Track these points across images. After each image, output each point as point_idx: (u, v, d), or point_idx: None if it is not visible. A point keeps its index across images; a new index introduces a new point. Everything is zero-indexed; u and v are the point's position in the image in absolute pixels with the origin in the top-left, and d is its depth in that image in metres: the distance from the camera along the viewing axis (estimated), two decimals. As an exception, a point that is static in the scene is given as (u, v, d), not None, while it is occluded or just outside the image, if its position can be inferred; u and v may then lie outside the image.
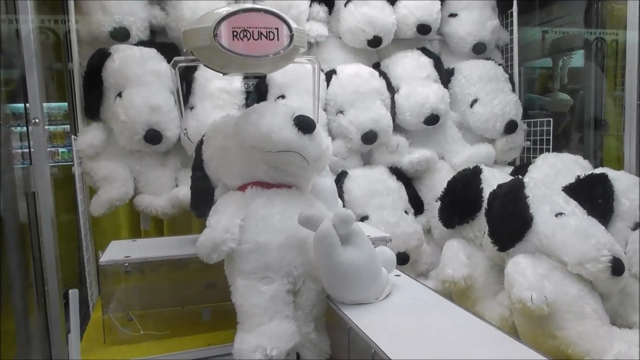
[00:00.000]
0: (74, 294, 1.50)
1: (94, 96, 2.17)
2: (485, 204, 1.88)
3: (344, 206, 2.15)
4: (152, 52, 2.23)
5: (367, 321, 1.24)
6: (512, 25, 2.86)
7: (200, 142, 1.59)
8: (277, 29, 1.36)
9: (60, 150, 3.38)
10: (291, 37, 1.37)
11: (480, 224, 1.96)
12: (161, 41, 2.38)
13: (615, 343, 1.55)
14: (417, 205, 2.50)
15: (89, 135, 2.16)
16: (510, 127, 2.63)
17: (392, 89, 2.57)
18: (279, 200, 1.43)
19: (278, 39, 1.36)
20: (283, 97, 2.32)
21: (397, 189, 2.42)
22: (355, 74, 2.49)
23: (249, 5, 1.37)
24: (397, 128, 2.58)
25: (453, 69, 2.76)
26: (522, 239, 1.74)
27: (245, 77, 2.35)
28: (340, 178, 2.38)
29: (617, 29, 2.92)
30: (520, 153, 2.82)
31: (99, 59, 2.16)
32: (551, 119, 2.70)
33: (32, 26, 1.60)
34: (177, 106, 1.78)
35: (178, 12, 2.27)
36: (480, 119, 2.64)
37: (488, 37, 2.76)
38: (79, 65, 2.20)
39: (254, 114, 1.37)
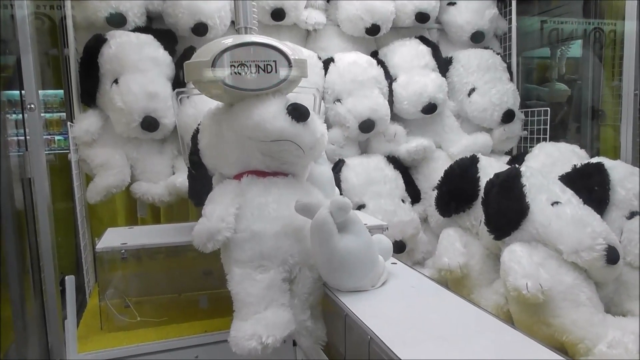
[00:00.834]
0: (70, 280, 1.51)
1: (90, 82, 2.16)
2: (481, 193, 1.88)
3: (341, 194, 2.15)
4: (148, 38, 2.21)
5: (363, 308, 1.24)
6: (510, 14, 2.86)
7: (196, 131, 1.58)
8: (275, 61, 1.35)
9: (57, 138, 3.37)
10: (290, 68, 1.37)
11: (477, 213, 1.96)
12: (158, 27, 2.35)
13: (609, 330, 1.57)
14: (414, 194, 2.50)
15: (85, 122, 2.14)
16: (508, 117, 2.63)
17: (390, 78, 2.57)
18: (275, 188, 1.42)
19: (276, 71, 1.35)
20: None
21: (395, 177, 2.42)
22: (353, 62, 2.48)
23: (247, 38, 1.37)
24: (395, 117, 2.58)
25: (451, 57, 2.76)
26: (518, 227, 1.74)
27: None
28: (338, 166, 2.38)
29: (615, 19, 2.91)
30: (517, 142, 2.82)
31: (95, 45, 2.14)
32: (548, 109, 2.70)
33: (27, 11, 1.59)
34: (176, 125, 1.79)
35: (175, -2, 2.25)
36: (477, 108, 2.63)
37: (486, 26, 2.76)
38: (74, 51, 2.18)
39: (248, 104, 1.37)
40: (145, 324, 1.70)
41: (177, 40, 2.36)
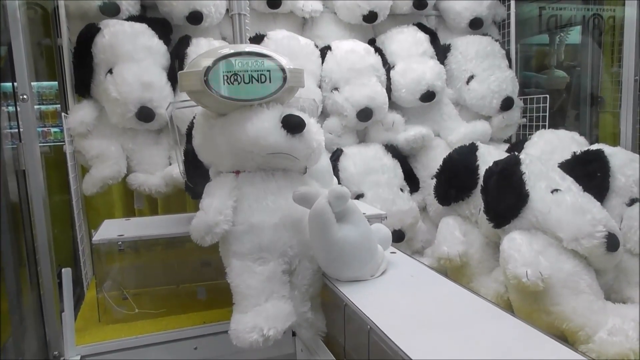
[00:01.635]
0: (67, 272, 1.50)
1: (84, 73, 2.13)
2: (481, 181, 1.87)
3: (339, 184, 2.14)
4: (143, 27, 2.17)
5: (362, 298, 1.24)
6: (509, 0, 2.83)
7: (191, 125, 1.56)
8: (268, 71, 1.33)
9: (53, 130, 3.35)
10: (284, 78, 1.35)
11: (476, 201, 1.95)
12: (152, 16, 2.32)
13: (609, 318, 1.56)
14: (412, 182, 2.49)
15: (80, 113, 2.12)
16: (507, 104, 2.61)
17: (387, 65, 2.54)
18: (272, 180, 1.41)
19: (270, 81, 1.33)
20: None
21: (393, 166, 2.41)
22: (350, 50, 2.46)
23: (241, 48, 1.34)
24: (393, 105, 2.55)
25: (449, 45, 2.73)
26: (518, 215, 1.73)
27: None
28: (336, 155, 2.36)
29: (615, 5, 2.89)
30: (516, 130, 2.81)
31: (89, 34, 2.11)
32: (547, 96, 2.69)
33: (19, 1, 1.56)
34: (174, 139, 1.76)
35: (169, -13, 2.22)
36: (476, 96, 2.62)
37: (485, 12, 2.73)
38: (68, 40, 2.15)
39: (242, 115, 1.35)
40: (143, 315, 1.69)
41: (171, 29, 2.33)
